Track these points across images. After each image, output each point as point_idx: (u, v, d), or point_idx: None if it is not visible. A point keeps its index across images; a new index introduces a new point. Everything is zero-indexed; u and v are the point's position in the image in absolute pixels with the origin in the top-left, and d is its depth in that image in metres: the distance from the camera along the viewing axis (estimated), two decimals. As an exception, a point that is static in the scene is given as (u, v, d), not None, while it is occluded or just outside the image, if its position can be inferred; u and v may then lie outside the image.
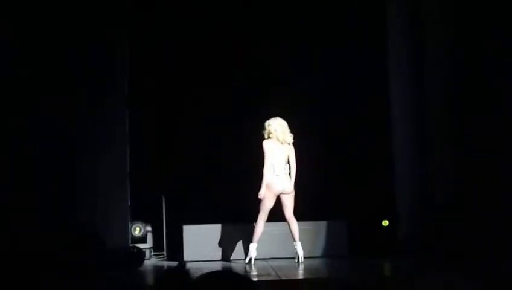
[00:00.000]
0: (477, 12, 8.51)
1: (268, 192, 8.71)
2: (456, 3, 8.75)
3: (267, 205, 8.74)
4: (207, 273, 2.89)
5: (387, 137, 9.63)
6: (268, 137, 8.82)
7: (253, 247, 8.79)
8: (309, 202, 9.31)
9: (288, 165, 8.82)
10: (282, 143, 8.80)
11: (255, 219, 8.81)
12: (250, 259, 8.75)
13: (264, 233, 9.11)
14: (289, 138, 8.82)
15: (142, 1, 9.93)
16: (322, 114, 10.15)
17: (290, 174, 8.81)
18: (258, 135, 8.88)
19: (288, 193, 8.78)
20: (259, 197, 8.70)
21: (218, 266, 9.00)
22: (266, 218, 8.79)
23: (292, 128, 8.86)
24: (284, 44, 10.22)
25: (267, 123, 8.84)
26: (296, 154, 8.84)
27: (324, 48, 10.21)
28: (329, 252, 9.42)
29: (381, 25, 9.69)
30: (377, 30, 9.79)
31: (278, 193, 8.76)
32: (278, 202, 8.80)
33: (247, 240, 8.91)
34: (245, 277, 2.88)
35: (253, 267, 8.58)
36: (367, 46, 9.98)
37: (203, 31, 10.22)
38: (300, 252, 8.72)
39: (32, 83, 8.53)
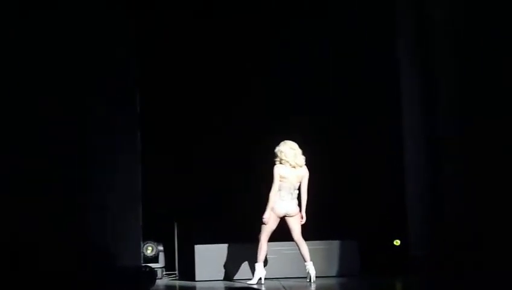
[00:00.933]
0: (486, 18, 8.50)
1: (272, 214, 8.73)
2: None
3: (269, 226, 8.76)
4: None
5: (398, 156, 9.62)
6: (280, 162, 8.81)
7: (260, 266, 8.79)
8: (320, 221, 9.33)
9: (297, 190, 8.83)
10: (294, 167, 8.80)
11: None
12: (260, 279, 8.75)
13: (275, 253, 9.15)
14: (301, 160, 8.81)
15: (151, 8, 10.00)
16: (332, 134, 10.17)
17: (298, 198, 8.82)
18: (269, 156, 8.89)
19: (293, 216, 8.78)
20: (263, 221, 8.72)
21: (230, 286, 9.00)
22: (267, 239, 8.80)
23: (302, 148, 8.87)
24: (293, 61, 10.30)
25: (277, 149, 8.81)
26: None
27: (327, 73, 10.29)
28: (341, 271, 9.41)
29: (392, 35, 9.70)
30: (386, 44, 9.81)
31: (281, 216, 8.77)
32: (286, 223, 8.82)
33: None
34: None
35: (263, 288, 8.57)
36: (376, 63, 10.02)
37: (219, 46, 10.27)
38: (312, 272, 8.71)
39: (44, 106, 8.58)
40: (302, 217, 8.81)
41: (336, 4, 10.23)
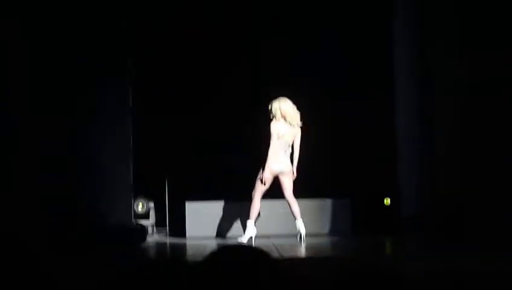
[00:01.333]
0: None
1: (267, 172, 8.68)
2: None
3: (264, 184, 8.71)
4: (222, 248, 2.71)
5: (391, 115, 9.60)
6: (282, 119, 8.73)
7: (251, 224, 8.73)
8: (313, 179, 9.32)
9: (291, 148, 8.77)
10: (291, 124, 8.71)
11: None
12: (251, 237, 8.71)
13: (267, 210, 9.12)
14: (299, 119, 8.74)
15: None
16: (327, 94, 10.11)
17: (291, 155, 8.78)
18: (260, 114, 8.83)
19: (287, 174, 8.73)
20: (262, 179, 8.64)
21: (220, 243, 9.00)
22: (261, 197, 8.75)
23: (297, 107, 8.81)
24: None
25: (276, 105, 8.67)
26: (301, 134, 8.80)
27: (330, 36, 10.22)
28: (333, 230, 9.43)
29: (386, 19, 9.67)
30: (382, 23, 9.77)
31: (276, 174, 8.69)
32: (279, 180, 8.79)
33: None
34: (262, 251, 2.69)
35: (254, 246, 8.55)
36: (373, 34, 9.97)
37: (213, 18, 10.21)
38: (302, 230, 8.65)
39: (41, 60, 8.54)
40: (293, 174, 8.76)
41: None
